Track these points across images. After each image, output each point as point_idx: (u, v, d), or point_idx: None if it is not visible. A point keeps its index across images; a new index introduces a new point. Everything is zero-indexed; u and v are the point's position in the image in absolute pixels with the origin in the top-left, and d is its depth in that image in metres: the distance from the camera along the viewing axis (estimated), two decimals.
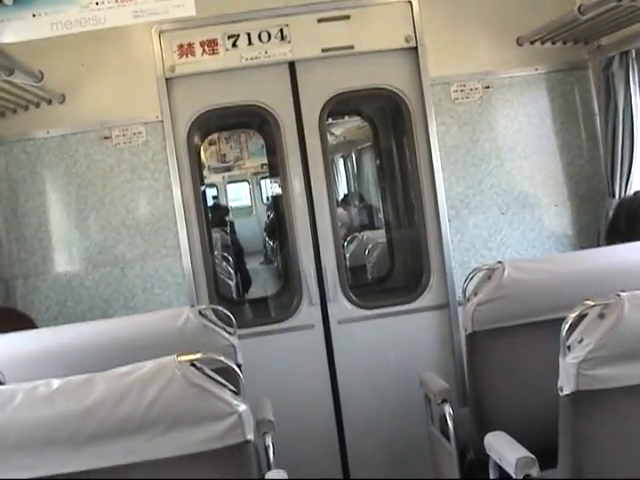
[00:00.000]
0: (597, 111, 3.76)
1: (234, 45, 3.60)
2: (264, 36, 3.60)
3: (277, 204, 4.33)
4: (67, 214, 3.63)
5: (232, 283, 4.51)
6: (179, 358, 1.85)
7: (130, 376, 1.84)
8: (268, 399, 2.96)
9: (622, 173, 3.56)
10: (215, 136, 4.69)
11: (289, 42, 3.61)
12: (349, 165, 5.08)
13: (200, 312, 2.78)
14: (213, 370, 1.91)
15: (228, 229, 4.87)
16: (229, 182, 4.98)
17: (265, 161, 4.70)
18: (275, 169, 3.98)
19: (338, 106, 3.84)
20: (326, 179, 3.70)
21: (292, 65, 3.66)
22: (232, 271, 4.53)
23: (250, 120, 4.32)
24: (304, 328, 3.70)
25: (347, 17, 3.62)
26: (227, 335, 2.80)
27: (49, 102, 3.55)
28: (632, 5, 2.83)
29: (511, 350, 2.73)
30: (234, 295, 4.51)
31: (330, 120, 4.10)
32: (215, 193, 4.87)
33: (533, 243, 3.77)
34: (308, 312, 3.70)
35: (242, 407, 1.86)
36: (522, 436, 2.26)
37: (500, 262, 2.78)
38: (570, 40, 3.68)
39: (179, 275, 3.61)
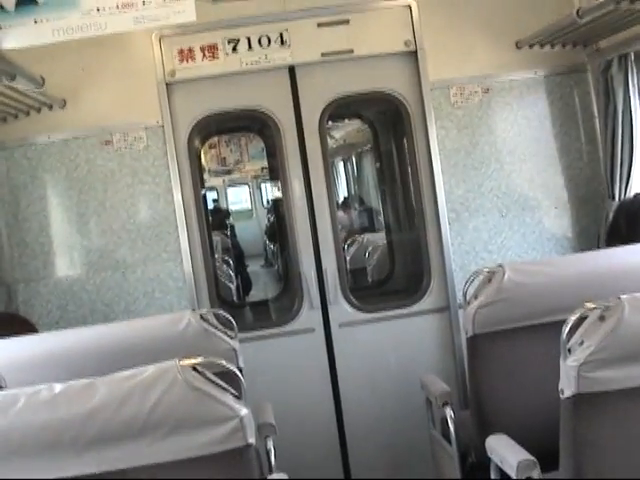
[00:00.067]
0: (596, 114, 3.76)
1: (234, 50, 3.61)
2: (264, 41, 3.62)
3: (277, 207, 4.33)
4: (68, 219, 3.64)
5: (233, 286, 4.51)
6: (180, 362, 1.86)
7: (132, 380, 1.84)
8: (269, 403, 2.97)
9: (622, 175, 3.56)
10: (215, 139, 4.69)
11: (289, 47, 3.62)
12: (349, 168, 5.08)
13: (201, 316, 2.79)
14: (214, 374, 1.91)
15: (229, 232, 4.87)
16: (229, 185, 4.98)
17: (265, 164, 4.70)
18: (275, 172, 3.98)
19: (338, 109, 3.85)
20: (326, 182, 3.71)
21: (292, 69, 3.68)
22: (233, 274, 4.54)
23: (250, 124, 4.33)
24: (305, 332, 3.70)
25: (346, 21, 3.64)
26: (228, 339, 2.80)
27: (50, 107, 3.56)
28: (630, 8, 2.83)
29: (512, 353, 2.73)
30: (235, 298, 4.51)
31: (330, 123, 4.11)
32: (215, 196, 4.87)
33: (533, 246, 3.77)
34: (309, 316, 3.70)
35: (243, 411, 1.86)
36: (523, 439, 2.26)
37: (500, 265, 2.78)
38: (569, 43, 3.69)
39: (180, 279, 3.62)
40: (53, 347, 2.68)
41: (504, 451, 2.25)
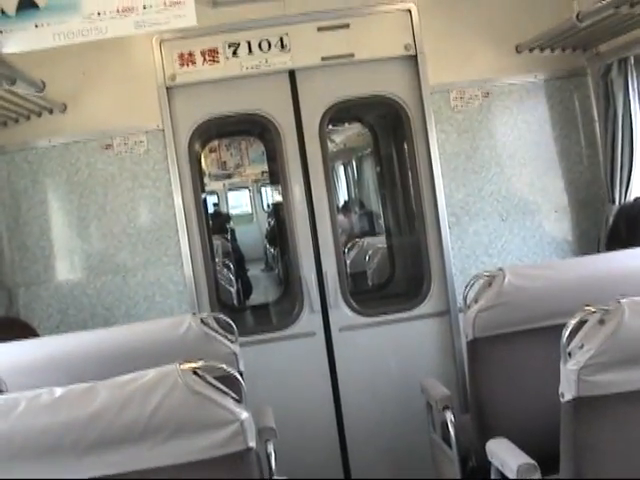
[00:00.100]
0: (596, 118, 3.77)
1: (234, 54, 3.62)
2: (264, 45, 3.62)
3: (278, 211, 4.34)
4: (69, 222, 3.64)
5: (233, 290, 4.51)
6: (181, 366, 1.86)
7: (132, 384, 1.85)
8: (270, 407, 2.97)
9: (622, 179, 3.57)
10: (215, 143, 4.69)
11: (289, 51, 3.63)
12: (349, 172, 5.08)
13: (202, 320, 2.78)
14: (215, 378, 1.91)
15: (229, 236, 4.87)
16: (230, 189, 4.98)
17: (266, 168, 4.70)
18: (276, 176, 3.99)
19: (338, 113, 3.86)
20: (326, 186, 3.71)
21: (292, 73, 3.68)
22: (233, 278, 4.54)
23: (251, 128, 4.33)
24: (305, 336, 3.70)
25: (347, 26, 3.64)
26: (229, 343, 2.80)
27: (51, 111, 3.57)
28: (630, 12, 2.84)
29: (512, 356, 2.73)
30: (235, 302, 4.51)
31: (330, 127, 4.12)
32: (216, 200, 4.87)
33: (533, 249, 3.78)
34: (309, 320, 3.70)
35: (244, 415, 1.86)
36: (524, 442, 2.26)
37: (501, 269, 2.78)
38: (569, 47, 3.70)
39: (180, 283, 3.62)
40: (54, 351, 2.68)
41: (504, 455, 2.25)
